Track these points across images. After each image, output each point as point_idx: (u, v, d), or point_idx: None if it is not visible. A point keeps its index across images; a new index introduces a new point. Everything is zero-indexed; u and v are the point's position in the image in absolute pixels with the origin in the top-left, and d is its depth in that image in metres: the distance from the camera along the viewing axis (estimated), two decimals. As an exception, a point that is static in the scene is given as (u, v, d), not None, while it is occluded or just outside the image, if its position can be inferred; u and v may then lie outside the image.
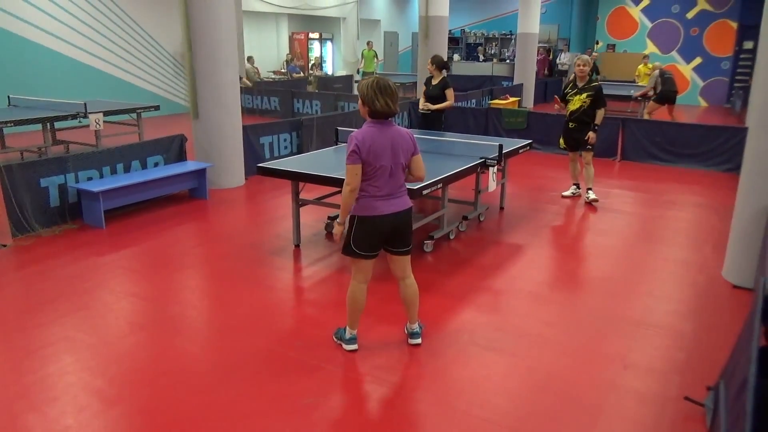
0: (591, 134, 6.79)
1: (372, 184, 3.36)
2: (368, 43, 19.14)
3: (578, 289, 4.71)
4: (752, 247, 4.64)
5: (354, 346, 3.66)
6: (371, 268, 3.58)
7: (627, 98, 13.63)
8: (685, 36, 18.63)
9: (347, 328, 3.68)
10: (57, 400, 3.16)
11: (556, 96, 7.43)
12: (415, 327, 3.76)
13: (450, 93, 7.25)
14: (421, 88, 7.30)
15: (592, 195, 7.07)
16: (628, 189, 7.94)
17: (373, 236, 3.43)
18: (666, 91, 11.93)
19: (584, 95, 6.76)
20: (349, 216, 3.47)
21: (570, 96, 6.90)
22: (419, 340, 3.75)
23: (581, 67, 6.77)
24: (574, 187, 7.42)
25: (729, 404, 2.60)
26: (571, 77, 7.14)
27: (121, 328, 3.95)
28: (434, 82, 7.27)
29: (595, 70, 13.55)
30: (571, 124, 6.96)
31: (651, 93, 12.22)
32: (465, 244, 5.70)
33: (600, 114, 6.77)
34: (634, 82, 15.46)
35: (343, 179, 3.37)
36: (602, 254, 5.51)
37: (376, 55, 18.92)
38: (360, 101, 3.39)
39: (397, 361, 3.58)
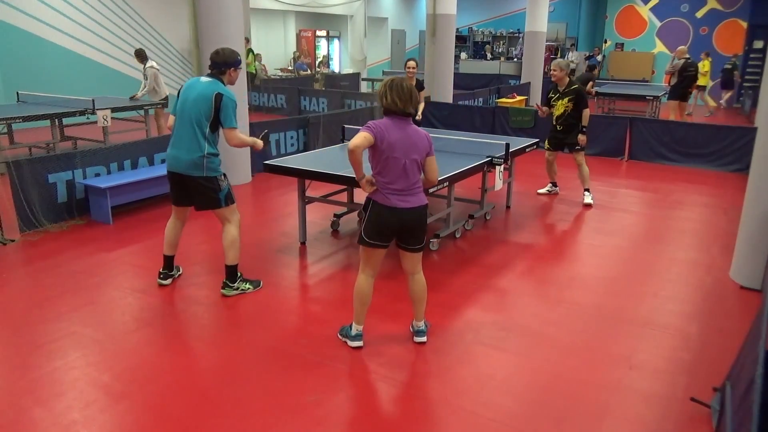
0: (581, 137, 6.83)
1: (385, 178, 3.39)
2: (245, 41, 13.26)
3: (584, 289, 4.69)
4: (760, 248, 4.61)
5: (359, 343, 3.66)
6: (379, 260, 3.59)
7: (636, 98, 13.47)
8: (695, 35, 18.50)
9: (353, 324, 3.68)
10: (63, 395, 3.18)
11: (536, 103, 7.53)
12: (421, 325, 3.76)
13: (421, 94, 7.25)
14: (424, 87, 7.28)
15: (587, 199, 7.04)
16: (636, 189, 7.90)
17: (383, 226, 3.44)
18: (679, 85, 11.39)
19: (566, 99, 6.81)
20: (365, 199, 3.55)
21: (553, 101, 6.95)
22: (425, 338, 3.75)
23: (553, 72, 6.82)
24: (551, 185, 7.52)
25: (735, 405, 2.59)
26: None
27: (127, 324, 3.96)
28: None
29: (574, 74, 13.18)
30: (558, 127, 7.00)
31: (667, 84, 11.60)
32: (471, 243, 5.69)
33: (585, 115, 6.79)
34: (643, 81, 15.29)
35: (350, 177, 3.39)
36: (609, 254, 5.49)
37: (255, 57, 14.96)
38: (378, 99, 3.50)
39: (402, 359, 3.58)
